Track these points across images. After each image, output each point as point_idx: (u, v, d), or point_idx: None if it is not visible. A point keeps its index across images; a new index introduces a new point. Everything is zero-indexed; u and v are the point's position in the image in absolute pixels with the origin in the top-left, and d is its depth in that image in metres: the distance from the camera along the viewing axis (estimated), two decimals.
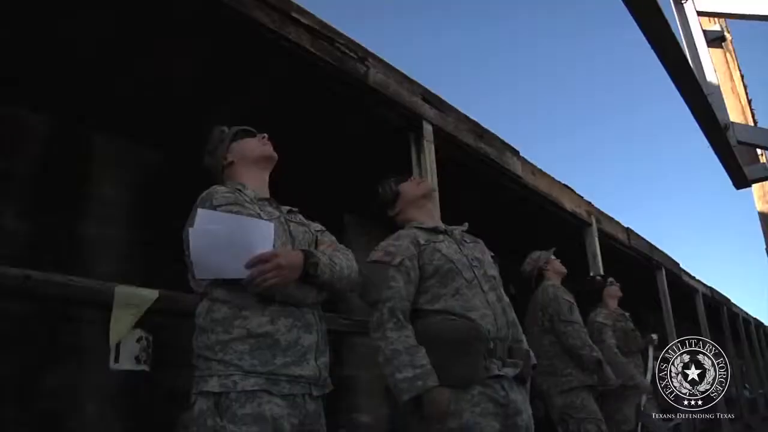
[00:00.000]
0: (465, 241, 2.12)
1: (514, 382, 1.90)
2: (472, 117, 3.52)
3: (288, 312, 1.53)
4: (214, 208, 1.53)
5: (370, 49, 2.76)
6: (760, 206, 4.72)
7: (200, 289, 1.57)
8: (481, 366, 1.82)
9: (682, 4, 2.55)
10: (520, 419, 1.86)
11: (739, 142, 2.18)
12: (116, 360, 2.14)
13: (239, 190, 1.67)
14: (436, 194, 2.70)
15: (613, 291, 4.42)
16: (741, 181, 2.20)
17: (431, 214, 2.21)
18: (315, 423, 1.56)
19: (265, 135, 1.85)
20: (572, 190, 4.84)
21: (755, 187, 4.13)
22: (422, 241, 1.99)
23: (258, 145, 1.82)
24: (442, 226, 2.12)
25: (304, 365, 1.52)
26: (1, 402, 2.39)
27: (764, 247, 4.51)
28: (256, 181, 1.76)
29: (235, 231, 1.47)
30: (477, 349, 1.83)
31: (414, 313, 1.91)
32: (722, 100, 2.38)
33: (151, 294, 2.22)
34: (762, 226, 4.46)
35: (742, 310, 11.72)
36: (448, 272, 1.93)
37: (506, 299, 2.03)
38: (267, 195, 1.77)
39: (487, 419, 1.80)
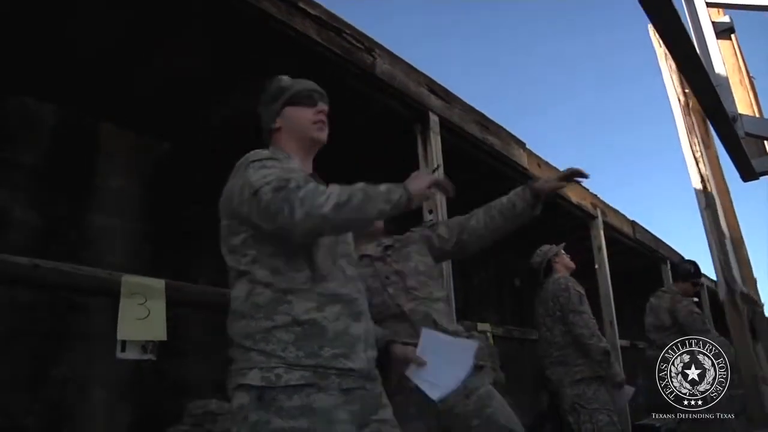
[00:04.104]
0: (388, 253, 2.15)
1: None
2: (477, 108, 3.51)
3: (336, 298, 1.41)
4: (249, 164, 1.42)
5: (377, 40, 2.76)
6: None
7: (239, 265, 1.42)
8: (393, 382, 1.91)
9: None
10: (462, 406, 1.94)
11: (747, 134, 2.17)
12: (123, 349, 2.16)
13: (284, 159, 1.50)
14: None
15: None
16: (749, 173, 2.19)
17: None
18: (379, 412, 1.44)
19: (324, 109, 1.65)
20: (578, 182, 4.83)
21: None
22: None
23: (311, 123, 1.61)
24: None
25: (353, 357, 1.38)
26: (11, 390, 2.41)
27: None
28: (301, 157, 1.60)
29: (449, 350, 1.71)
30: (386, 365, 1.93)
31: None
32: (731, 91, 2.37)
33: (157, 284, 2.23)
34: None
35: None
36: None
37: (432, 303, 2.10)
38: (311, 171, 1.61)
39: (408, 423, 1.86)
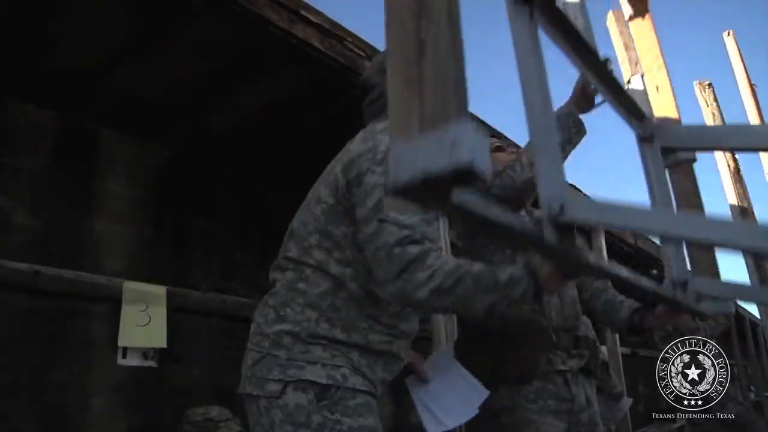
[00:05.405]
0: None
1: (580, 375, 1.80)
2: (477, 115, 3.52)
3: (407, 335, 1.35)
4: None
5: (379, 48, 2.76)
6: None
7: (326, 264, 1.23)
8: (541, 360, 1.70)
9: (651, 143, 2.47)
10: (584, 415, 1.77)
11: (700, 295, 2.08)
12: (124, 356, 2.16)
13: None
14: None
15: None
16: (701, 318, 2.11)
17: None
18: None
19: None
20: (579, 189, 4.83)
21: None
22: None
23: None
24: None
25: (390, 376, 1.35)
26: (10, 395, 2.41)
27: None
28: None
29: (461, 384, 1.53)
30: (535, 343, 1.70)
31: None
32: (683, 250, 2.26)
33: (158, 291, 2.24)
34: None
35: (748, 312, 11.65)
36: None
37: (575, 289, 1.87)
38: None
39: (546, 417, 1.68)
